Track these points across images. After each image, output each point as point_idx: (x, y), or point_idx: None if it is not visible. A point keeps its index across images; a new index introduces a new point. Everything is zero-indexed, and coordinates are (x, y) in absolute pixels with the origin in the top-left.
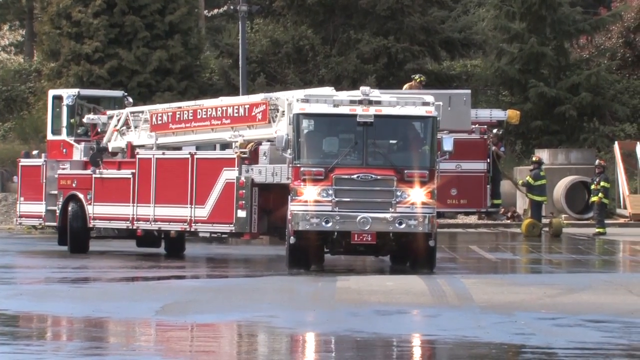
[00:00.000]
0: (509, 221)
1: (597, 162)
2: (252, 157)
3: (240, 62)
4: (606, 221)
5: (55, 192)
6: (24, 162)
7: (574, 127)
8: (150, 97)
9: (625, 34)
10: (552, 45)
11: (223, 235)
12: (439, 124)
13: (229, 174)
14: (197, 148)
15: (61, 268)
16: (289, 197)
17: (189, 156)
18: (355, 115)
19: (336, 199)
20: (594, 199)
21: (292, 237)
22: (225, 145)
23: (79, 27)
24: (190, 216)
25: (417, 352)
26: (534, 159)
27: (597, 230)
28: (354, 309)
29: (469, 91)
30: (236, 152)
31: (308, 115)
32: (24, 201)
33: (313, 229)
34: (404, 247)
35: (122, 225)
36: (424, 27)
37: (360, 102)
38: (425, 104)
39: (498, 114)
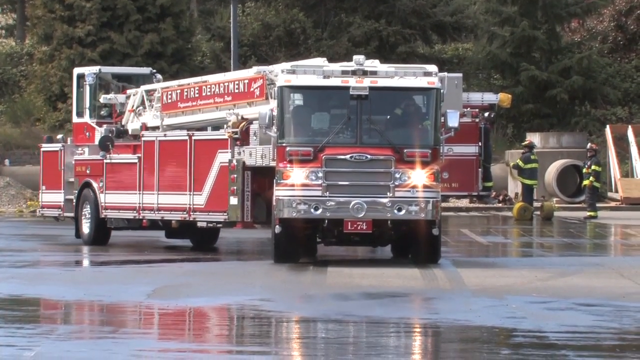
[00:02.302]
0: (500, 205)
1: (588, 145)
2: (244, 138)
3: (231, 46)
4: (597, 205)
5: (73, 179)
6: (44, 147)
7: (565, 111)
8: None
9: (617, 18)
10: (543, 29)
11: (218, 225)
12: (443, 97)
13: (223, 157)
14: (204, 129)
15: (53, 251)
16: (274, 180)
17: (187, 138)
18: (347, 88)
19: (326, 183)
20: (585, 182)
21: (277, 226)
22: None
23: (71, 10)
24: (190, 204)
25: (408, 336)
26: (525, 142)
27: (589, 213)
28: (345, 292)
29: (460, 75)
30: (227, 133)
31: (294, 88)
32: (45, 190)
33: (300, 216)
34: (405, 236)
35: (130, 215)
36: (416, 10)
37: (354, 73)
38: (427, 74)
39: (490, 98)
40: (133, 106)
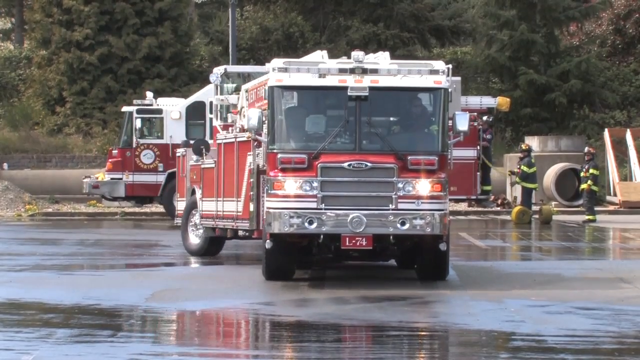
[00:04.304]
0: (498, 208)
1: (586, 149)
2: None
3: (230, 49)
4: (596, 208)
5: (189, 185)
6: (178, 152)
7: (564, 115)
8: (140, 84)
9: (615, 21)
10: (542, 33)
11: (246, 234)
12: (451, 97)
13: (249, 160)
14: None
15: (51, 255)
16: (265, 190)
17: (234, 139)
18: (345, 88)
19: (322, 194)
20: (583, 186)
21: (268, 241)
22: None
23: (69, 14)
24: (235, 211)
25: (407, 339)
26: (523, 147)
27: (587, 217)
28: (344, 296)
29: (459, 78)
30: (248, 134)
31: (286, 89)
32: (179, 198)
33: (293, 231)
34: (409, 251)
35: (210, 223)
36: (414, 14)
37: (352, 71)
38: (434, 72)
39: (488, 101)
40: (239, 106)
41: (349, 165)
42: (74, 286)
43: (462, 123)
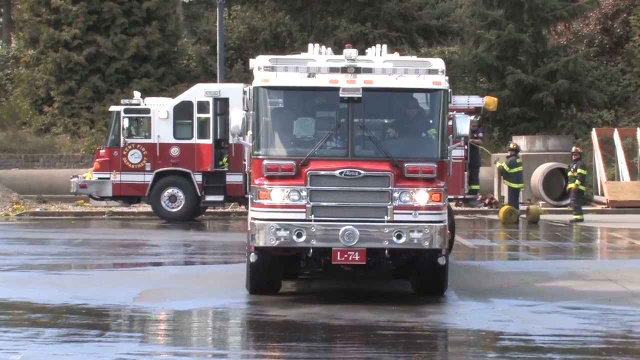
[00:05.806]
0: (486, 208)
1: (573, 149)
2: None
3: (217, 49)
4: (583, 208)
5: None
6: None
7: (551, 114)
8: (128, 83)
9: (603, 21)
10: (529, 32)
11: None
12: (451, 98)
13: None
14: None
15: (39, 255)
16: (249, 199)
17: None
18: (337, 89)
19: (312, 204)
20: (570, 186)
21: (252, 254)
22: None
23: (57, 13)
24: None
25: (395, 339)
26: (511, 146)
27: (575, 217)
28: (332, 296)
29: (446, 78)
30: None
31: (273, 89)
32: None
33: (280, 244)
34: (405, 266)
35: None
36: (402, 13)
37: (344, 70)
38: (433, 71)
39: (475, 101)
40: None
41: (341, 173)
42: (61, 286)
43: (463, 127)
